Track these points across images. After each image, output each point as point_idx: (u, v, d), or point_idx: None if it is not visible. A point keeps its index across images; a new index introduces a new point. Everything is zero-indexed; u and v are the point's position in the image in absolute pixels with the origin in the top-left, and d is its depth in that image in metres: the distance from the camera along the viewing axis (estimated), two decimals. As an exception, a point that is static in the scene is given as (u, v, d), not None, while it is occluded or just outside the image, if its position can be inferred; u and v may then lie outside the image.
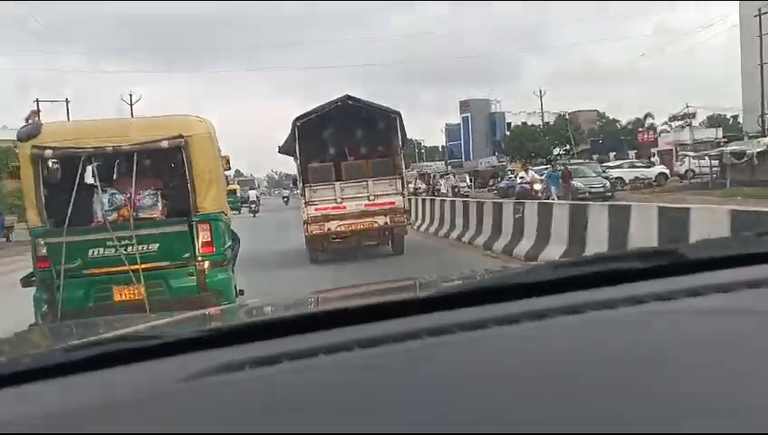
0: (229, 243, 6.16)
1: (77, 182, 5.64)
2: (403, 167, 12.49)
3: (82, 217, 5.73)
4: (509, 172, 41.74)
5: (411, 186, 42.52)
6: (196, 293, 5.66)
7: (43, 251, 5.63)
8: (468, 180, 37.02)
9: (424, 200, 19.52)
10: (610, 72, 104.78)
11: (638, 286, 1.01)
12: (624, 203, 10.02)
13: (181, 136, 5.62)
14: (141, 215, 5.80)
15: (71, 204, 5.55)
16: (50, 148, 5.60)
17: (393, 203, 12.05)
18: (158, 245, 5.66)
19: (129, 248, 5.59)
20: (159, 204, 5.89)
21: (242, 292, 6.34)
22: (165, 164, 6.38)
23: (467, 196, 30.74)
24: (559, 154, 50.99)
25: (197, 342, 0.92)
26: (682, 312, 0.91)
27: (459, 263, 10.98)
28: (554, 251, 9.47)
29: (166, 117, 5.93)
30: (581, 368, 0.77)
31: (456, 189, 34.45)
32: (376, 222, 12.09)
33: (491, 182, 43.54)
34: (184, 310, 5.30)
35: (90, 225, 5.77)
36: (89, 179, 6.01)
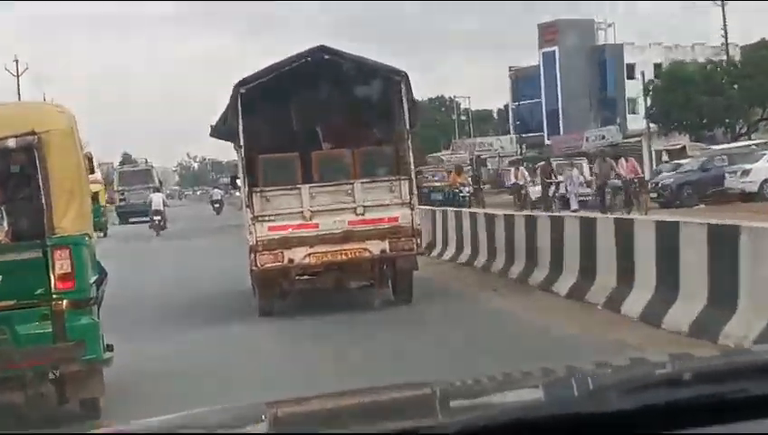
0: (95, 277, 8.60)
1: None
2: (411, 160, 14.52)
3: None
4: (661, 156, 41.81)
5: (528, 182, 43.26)
6: (52, 342, 8.00)
7: None
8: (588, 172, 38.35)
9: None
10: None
11: (758, 427, 1.18)
12: None
13: (34, 132, 8.01)
14: (-21, 238, 8.20)
15: None
16: None
17: (395, 219, 14.08)
18: (0, 278, 8.01)
19: None
20: (4, 223, 8.32)
21: (110, 347, 8.65)
22: (10, 169, 8.81)
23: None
24: (762, 119, 50.92)
25: None
26: None
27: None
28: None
29: (12, 105, 8.30)
30: None
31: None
32: (367, 250, 14.07)
33: (611, 174, 44.20)
34: (37, 362, 8.39)
35: None
36: None
